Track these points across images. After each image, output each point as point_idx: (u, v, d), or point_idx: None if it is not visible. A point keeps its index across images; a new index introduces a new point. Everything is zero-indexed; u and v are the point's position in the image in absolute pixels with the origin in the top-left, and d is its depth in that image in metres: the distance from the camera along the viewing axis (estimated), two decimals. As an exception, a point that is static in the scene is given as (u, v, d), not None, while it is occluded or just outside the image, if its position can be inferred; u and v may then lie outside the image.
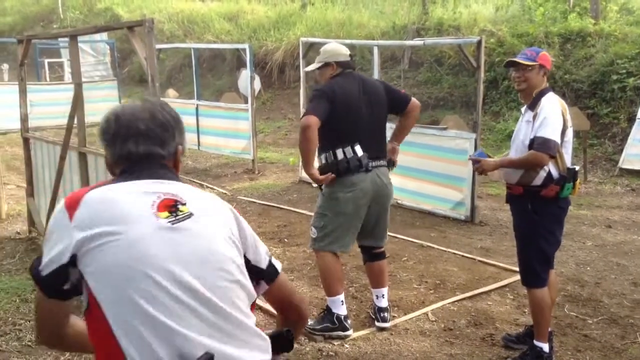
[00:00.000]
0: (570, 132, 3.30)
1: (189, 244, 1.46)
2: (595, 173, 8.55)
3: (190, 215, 1.50)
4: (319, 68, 3.80)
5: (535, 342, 3.43)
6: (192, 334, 1.38)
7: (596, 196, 7.48)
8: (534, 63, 3.31)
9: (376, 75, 7.11)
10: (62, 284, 1.45)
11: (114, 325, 1.37)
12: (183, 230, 1.47)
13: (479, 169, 3.52)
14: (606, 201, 7.23)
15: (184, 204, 1.52)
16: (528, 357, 3.43)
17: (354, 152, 3.61)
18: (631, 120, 8.86)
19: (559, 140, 3.20)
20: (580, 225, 6.20)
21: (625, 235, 5.92)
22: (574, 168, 3.31)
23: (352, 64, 3.81)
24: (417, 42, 7.72)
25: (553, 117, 3.20)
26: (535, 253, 3.36)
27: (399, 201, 6.77)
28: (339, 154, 3.59)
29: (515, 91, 10.48)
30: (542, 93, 3.32)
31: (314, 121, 3.51)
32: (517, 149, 3.40)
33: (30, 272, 1.50)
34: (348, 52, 3.81)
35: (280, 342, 1.63)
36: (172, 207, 1.50)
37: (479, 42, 5.99)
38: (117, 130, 1.62)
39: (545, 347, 3.42)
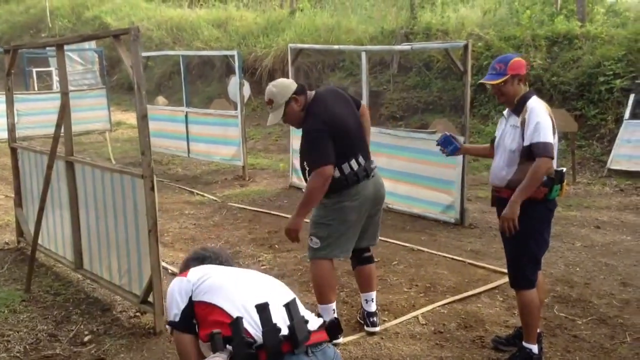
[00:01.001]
0: (556, 135, 3.33)
1: (254, 272, 2.58)
2: (584, 174, 8.60)
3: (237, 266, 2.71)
4: (284, 113, 3.63)
5: (524, 344, 3.44)
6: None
7: (585, 197, 7.52)
8: (504, 78, 3.30)
9: (364, 80, 7.13)
10: (191, 321, 2.32)
11: (224, 306, 2.22)
12: (249, 270, 2.63)
13: (508, 227, 3.27)
14: (595, 202, 7.27)
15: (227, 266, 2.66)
16: (517, 359, 3.44)
17: (359, 163, 3.63)
18: (618, 121, 8.93)
19: (553, 143, 3.23)
20: (570, 226, 6.23)
21: (614, 235, 5.95)
22: (562, 170, 3.32)
23: (303, 85, 3.74)
24: (405, 47, 7.75)
25: (544, 121, 3.22)
26: (525, 255, 3.37)
27: (390, 205, 6.78)
28: (345, 168, 3.59)
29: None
30: (525, 98, 3.33)
31: (331, 171, 3.49)
32: (502, 154, 3.40)
33: (169, 325, 2.40)
34: (292, 80, 3.74)
35: (335, 329, 2.34)
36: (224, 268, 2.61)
37: (466, 46, 6.01)
38: (207, 259, 2.69)
39: (535, 348, 3.43)
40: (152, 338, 3.86)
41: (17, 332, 3.98)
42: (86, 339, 3.89)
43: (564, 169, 3.38)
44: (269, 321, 2.08)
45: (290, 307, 2.12)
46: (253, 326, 2.12)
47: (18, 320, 4.17)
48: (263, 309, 2.10)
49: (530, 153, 3.21)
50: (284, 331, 2.09)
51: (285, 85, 3.66)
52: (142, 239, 3.87)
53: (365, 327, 3.92)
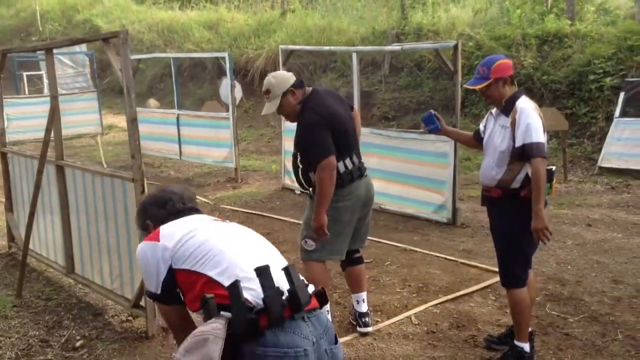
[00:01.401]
0: (545, 134, 3.33)
1: (239, 228, 2.30)
2: (575, 172, 8.64)
3: (231, 223, 2.36)
4: (280, 105, 3.62)
5: (516, 342, 3.45)
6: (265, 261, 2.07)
7: (576, 195, 7.55)
8: (487, 82, 3.30)
9: (356, 80, 7.14)
10: (173, 290, 2.12)
11: (212, 273, 2.03)
12: (232, 225, 2.31)
13: (544, 236, 3.23)
14: (586, 200, 7.30)
15: (224, 220, 2.39)
16: (509, 358, 3.45)
17: (353, 162, 3.64)
18: (609, 119, 8.98)
19: (544, 140, 3.25)
20: (561, 225, 6.25)
21: (605, 233, 5.98)
22: (551, 168, 3.33)
23: (301, 78, 3.75)
24: (395, 47, 7.76)
25: (535, 122, 3.22)
26: (516, 254, 3.39)
27: (382, 206, 6.79)
28: (341, 167, 3.58)
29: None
30: (514, 98, 3.33)
31: (335, 162, 3.48)
32: (492, 154, 3.40)
33: (151, 299, 2.23)
34: (291, 74, 3.73)
35: (323, 298, 2.20)
36: (217, 219, 2.34)
37: (456, 46, 6.03)
38: (164, 198, 2.40)
39: (526, 347, 3.44)
40: (145, 342, 3.85)
41: (9, 338, 3.96)
42: (78, 344, 3.87)
43: (554, 168, 3.39)
44: (271, 284, 1.96)
45: (290, 271, 2.03)
46: (250, 291, 1.96)
47: (9, 326, 4.15)
48: (263, 272, 1.97)
49: (522, 154, 3.22)
50: (285, 295, 1.98)
51: (284, 77, 3.67)
52: (134, 243, 3.85)
53: (358, 328, 3.92)
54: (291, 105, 3.63)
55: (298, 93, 3.63)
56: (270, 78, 3.68)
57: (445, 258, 5.32)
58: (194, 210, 2.39)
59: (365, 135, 5.61)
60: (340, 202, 3.62)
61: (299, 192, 3.86)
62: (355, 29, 13.66)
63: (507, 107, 3.34)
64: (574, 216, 6.58)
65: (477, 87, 3.34)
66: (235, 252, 2.09)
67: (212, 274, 2.02)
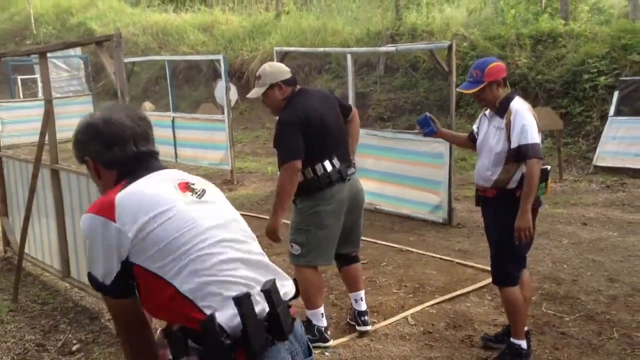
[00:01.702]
0: (540, 135, 3.35)
1: (217, 211, 1.78)
2: (570, 171, 8.66)
3: (204, 191, 1.80)
4: (264, 92, 3.64)
5: (513, 340, 3.46)
6: (247, 274, 1.70)
7: (572, 194, 7.57)
8: (481, 86, 3.31)
9: (350, 82, 7.14)
10: (127, 281, 1.66)
11: (182, 286, 1.61)
12: (208, 202, 1.78)
13: (525, 236, 3.26)
14: (581, 199, 7.33)
15: (193, 184, 1.80)
16: (507, 356, 3.46)
17: (333, 165, 3.60)
18: (604, 118, 9.01)
19: (539, 141, 3.26)
20: (557, 224, 6.27)
21: (600, 232, 6.00)
22: (546, 168, 3.34)
23: (296, 79, 3.75)
24: (390, 48, 7.78)
25: (530, 123, 3.24)
26: (510, 253, 3.39)
27: (378, 206, 6.80)
28: (319, 169, 3.56)
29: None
30: (507, 100, 3.34)
31: (300, 166, 3.48)
32: (487, 155, 3.40)
33: (95, 288, 1.70)
34: (289, 69, 3.72)
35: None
36: (188, 187, 1.77)
37: (450, 47, 6.04)
38: (112, 135, 1.78)
39: (523, 344, 3.46)
40: (141, 345, 3.84)
41: (5, 343, 3.95)
42: (74, 348, 3.86)
43: (549, 167, 3.40)
44: (253, 314, 1.61)
45: (271, 292, 1.65)
46: (226, 316, 1.60)
47: (5, 330, 4.14)
48: (244, 303, 1.60)
49: (518, 155, 3.23)
50: (262, 315, 1.64)
51: (279, 70, 3.66)
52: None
53: (357, 327, 3.93)
54: (275, 98, 3.64)
55: (285, 89, 3.62)
56: (266, 66, 3.71)
57: (442, 258, 5.33)
58: (150, 157, 1.83)
59: (361, 136, 5.55)
60: (321, 207, 3.60)
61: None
62: (349, 30, 13.67)
63: (501, 109, 3.34)
64: (570, 215, 6.60)
65: (471, 92, 3.35)
66: (215, 254, 1.67)
67: (184, 288, 1.62)
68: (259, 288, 1.67)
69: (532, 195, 3.22)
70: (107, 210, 1.65)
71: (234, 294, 1.61)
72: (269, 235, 3.67)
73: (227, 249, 1.70)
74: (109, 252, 1.63)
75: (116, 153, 1.77)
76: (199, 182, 1.83)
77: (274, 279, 1.71)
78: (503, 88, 3.37)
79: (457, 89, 3.48)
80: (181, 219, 1.67)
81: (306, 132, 3.50)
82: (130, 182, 1.73)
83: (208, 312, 1.59)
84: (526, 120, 3.24)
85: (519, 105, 3.31)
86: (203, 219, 1.71)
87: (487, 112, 3.49)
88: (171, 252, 1.62)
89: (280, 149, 3.58)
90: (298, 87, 3.70)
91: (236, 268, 1.69)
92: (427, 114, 3.80)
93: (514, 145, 3.24)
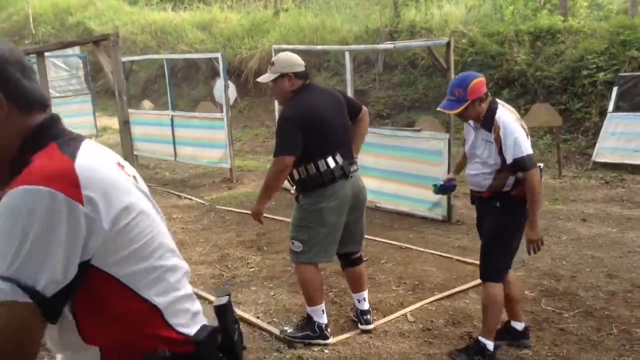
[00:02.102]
0: (529, 138, 3.31)
1: (155, 206, 1.44)
2: (570, 168, 8.66)
3: (135, 177, 1.43)
4: (274, 80, 3.64)
5: (480, 338, 3.45)
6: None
7: (571, 190, 7.57)
8: (465, 105, 3.23)
9: (349, 79, 7.14)
10: (66, 301, 1.20)
11: (155, 300, 1.31)
12: (143, 192, 1.40)
13: (537, 247, 3.30)
14: (581, 195, 7.33)
15: (124, 166, 1.40)
16: (470, 351, 3.45)
17: (336, 161, 3.61)
18: (603, 114, 9.00)
19: (531, 150, 3.23)
20: (556, 220, 6.27)
21: (599, 228, 6.00)
22: (539, 166, 3.31)
23: (308, 74, 3.75)
24: (388, 45, 7.76)
25: (520, 134, 3.20)
26: (503, 250, 3.38)
27: (377, 204, 6.80)
28: (322, 165, 3.57)
29: (488, 90, 10.60)
30: (491, 112, 3.27)
31: (290, 163, 3.51)
32: (477, 164, 3.37)
33: (27, 292, 1.14)
34: (303, 62, 3.71)
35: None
36: (124, 169, 1.38)
37: (448, 44, 6.04)
38: (24, 64, 1.30)
39: (490, 345, 3.42)
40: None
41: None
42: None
43: (541, 165, 3.37)
44: (213, 337, 1.41)
45: (225, 309, 1.46)
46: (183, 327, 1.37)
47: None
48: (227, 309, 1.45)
49: (515, 168, 3.21)
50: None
51: (293, 61, 3.66)
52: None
53: (360, 325, 3.95)
54: (284, 88, 3.64)
55: (295, 81, 3.63)
56: (282, 54, 3.72)
57: (441, 255, 5.33)
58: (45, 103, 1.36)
59: (360, 133, 5.64)
60: (323, 203, 3.60)
61: (294, 192, 3.86)
62: (348, 28, 13.66)
63: (487, 122, 3.28)
64: (569, 211, 6.60)
65: (454, 112, 3.29)
66: (179, 267, 1.42)
67: (162, 304, 1.32)
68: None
69: (539, 206, 3.22)
70: (68, 185, 1.16)
71: (196, 309, 1.42)
72: (254, 217, 3.77)
73: (177, 258, 1.43)
74: (71, 247, 1.16)
75: (33, 87, 1.30)
76: (127, 164, 1.43)
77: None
78: (485, 101, 3.29)
79: (439, 108, 3.37)
80: (147, 214, 1.33)
81: (306, 129, 3.51)
82: (65, 149, 1.24)
83: (182, 330, 1.35)
84: (516, 132, 3.19)
85: (505, 117, 3.24)
86: (156, 217, 1.39)
87: (472, 123, 3.41)
88: (143, 258, 1.29)
89: (276, 142, 3.61)
90: (308, 82, 3.72)
91: (186, 280, 1.45)
92: (441, 182, 3.78)
93: (509, 160, 3.20)
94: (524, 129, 3.28)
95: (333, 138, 3.63)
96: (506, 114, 3.27)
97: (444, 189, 3.82)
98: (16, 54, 1.30)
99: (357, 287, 3.98)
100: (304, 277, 3.74)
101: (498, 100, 3.37)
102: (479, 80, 3.28)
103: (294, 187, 3.75)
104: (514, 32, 10.82)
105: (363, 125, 3.97)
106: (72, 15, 20.91)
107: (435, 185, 3.83)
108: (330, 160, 3.59)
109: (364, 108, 3.97)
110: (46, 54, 4.61)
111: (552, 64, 10.12)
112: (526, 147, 3.19)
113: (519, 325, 3.66)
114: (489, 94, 3.33)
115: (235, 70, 14.11)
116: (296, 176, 3.64)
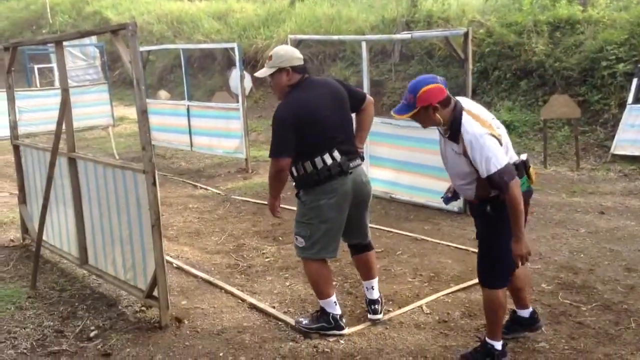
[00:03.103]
0: (504, 137, 3.11)
1: None
2: (588, 160, 8.57)
3: None
4: (272, 74, 3.59)
5: (488, 340, 3.34)
6: None
7: (589, 183, 7.50)
8: (413, 111, 3.04)
9: (365, 70, 7.10)
10: None
11: None
12: None
13: (525, 259, 3.11)
14: (599, 187, 7.25)
15: None
16: (477, 354, 3.38)
17: (333, 158, 3.56)
18: (622, 106, 8.88)
19: (507, 160, 2.99)
20: (574, 213, 6.22)
21: (618, 221, 5.94)
22: (522, 160, 3.18)
23: (306, 67, 3.70)
24: (405, 35, 7.71)
25: (489, 146, 2.95)
26: (502, 253, 3.17)
27: (393, 195, 6.78)
28: (319, 162, 3.54)
29: (506, 81, 10.52)
30: (456, 122, 3.04)
31: (286, 164, 3.51)
32: (454, 176, 3.24)
33: None
34: (302, 56, 3.66)
35: None
36: None
37: (466, 34, 5.99)
38: None
39: (498, 345, 3.32)
40: (158, 332, 3.88)
41: (24, 329, 4.00)
42: (92, 334, 3.91)
43: (525, 157, 3.22)
44: None
45: None
46: None
47: (24, 316, 4.20)
48: None
49: (489, 182, 3.01)
50: None
51: (291, 55, 3.61)
52: (146, 234, 3.88)
53: (369, 315, 3.94)
54: (281, 83, 3.62)
55: (293, 76, 3.60)
56: (280, 49, 3.68)
57: (457, 247, 5.31)
58: None
59: (375, 124, 5.57)
60: (322, 200, 3.58)
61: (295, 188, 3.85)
62: (364, 18, 13.60)
63: (453, 134, 3.07)
64: (587, 204, 6.54)
65: (402, 117, 3.12)
66: None
67: None
68: None
69: (521, 219, 2.99)
70: None
71: None
72: (270, 211, 3.85)
73: None
74: None
75: None
76: None
77: None
78: (444, 109, 3.05)
79: (391, 112, 3.19)
80: None
81: (301, 128, 3.48)
82: None
83: None
84: (484, 146, 2.93)
85: (471, 129, 2.98)
86: None
87: (440, 129, 3.21)
88: None
89: (271, 143, 3.59)
90: (306, 76, 3.67)
91: None
92: (448, 195, 3.64)
93: (483, 175, 2.99)
94: (494, 136, 3.00)
95: (330, 135, 3.57)
96: (471, 125, 3.01)
97: (451, 200, 3.73)
98: None
99: (366, 274, 3.96)
100: (310, 272, 3.75)
101: (464, 104, 3.12)
102: (432, 87, 3.03)
103: (294, 184, 3.73)
104: (532, 22, 10.69)
105: (368, 114, 3.87)
106: (89, 5, 21.04)
107: (443, 197, 3.76)
108: (327, 157, 3.54)
109: (369, 97, 3.86)
110: (64, 43, 4.63)
111: (571, 54, 9.99)
112: (497, 160, 2.93)
113: (525, 313, 3.60)
114: (452, 100, 3.10)
115: (250, 60, 14.13)
116: (295, 173, 3.64)
